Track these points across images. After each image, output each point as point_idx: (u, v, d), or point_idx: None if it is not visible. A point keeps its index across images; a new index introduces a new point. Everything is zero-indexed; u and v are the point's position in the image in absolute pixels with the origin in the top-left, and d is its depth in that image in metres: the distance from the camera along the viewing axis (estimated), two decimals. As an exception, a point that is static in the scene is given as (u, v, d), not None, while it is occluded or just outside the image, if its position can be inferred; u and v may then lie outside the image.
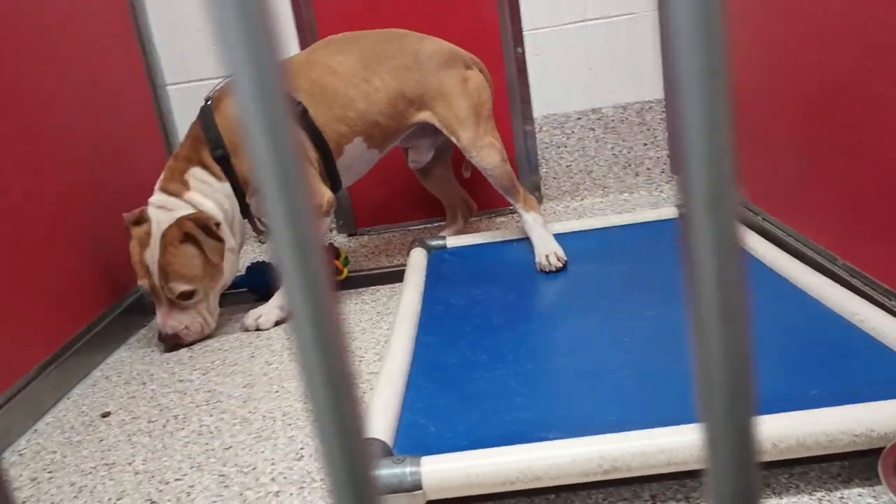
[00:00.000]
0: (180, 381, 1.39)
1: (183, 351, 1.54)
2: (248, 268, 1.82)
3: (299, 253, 0.24)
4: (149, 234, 1.50)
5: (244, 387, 1.32)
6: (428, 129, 1.73)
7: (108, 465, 1.12)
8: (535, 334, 1.23)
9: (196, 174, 1.55)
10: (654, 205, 2.05)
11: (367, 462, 0.26)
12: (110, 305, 1.66)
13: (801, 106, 1.34)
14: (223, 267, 1.57)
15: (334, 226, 2.23)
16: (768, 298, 1.23)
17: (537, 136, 2.14)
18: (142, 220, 1.52)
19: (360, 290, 1.73)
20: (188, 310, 1.54)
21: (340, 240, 2.19)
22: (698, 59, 0.22)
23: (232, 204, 1.57)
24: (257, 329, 1.59)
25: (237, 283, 1.85)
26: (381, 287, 1.73)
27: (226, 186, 1.55)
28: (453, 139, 1.64)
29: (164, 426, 1.22)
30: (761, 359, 1.03)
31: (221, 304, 1.79)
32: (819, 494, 0.82)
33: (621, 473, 0.81)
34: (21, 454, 1.21)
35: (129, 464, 1.12)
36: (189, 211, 1.51)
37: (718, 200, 0.23)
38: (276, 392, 1.27)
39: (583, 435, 0.84)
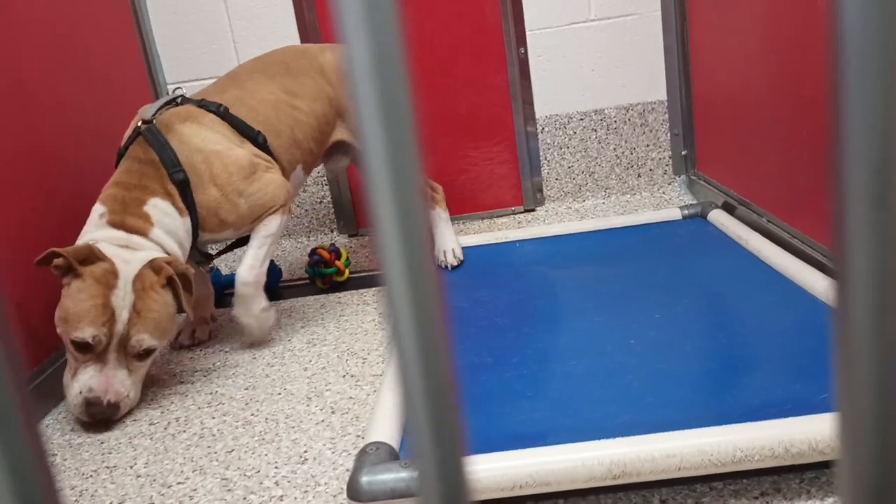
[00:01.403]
0: (181, 382, 1.38)
1: (183, 351, 1.52)
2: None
3: (411, 270, 0.23)
4: (114, 273, 1.23)
5: (246, 389, 1.31)
6: (341, 149, 1.71)
7: (109, 468, 1.11)
8: (539, 336, 1.22)
9: (157, 205, 1.33)
10: (657, 206, 2.04)
11: (464, 479, 0.25)
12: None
13: (814, 107, 1.33)
14: (175, 325, 1.37)
15: (335, 226, 2.22)
16: (777, 302, 1.22)
17: (539, 136, 2.14)
18: (91, 258, 1.23)
19: (363, 290, 1.72)
20: (133, 373, 1.26)
21: (342, 240, 2.18)
22: (874, 54, 0.21)
23: (188, 241, 1.39)
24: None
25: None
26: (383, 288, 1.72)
27: (186, 222, 1.37)
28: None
29: (165, 428, 1.21)
30: (771, 363, 1.02)
31: (224, 304, 1.77)
32: (830, 500, 0.81)
33: (631, 478, 0.80)
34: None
35: (131, 467, 1.11)
36: (159, 254, 1.30)
37: (883, 196, 0.21)
38: (279, 394, 1.26)
39: (591, 439, 0.84)
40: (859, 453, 0.25)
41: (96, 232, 1.30)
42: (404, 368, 0.24)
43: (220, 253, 1.65)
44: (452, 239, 1.75)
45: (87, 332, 1.19)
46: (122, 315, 1.22)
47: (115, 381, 1.22)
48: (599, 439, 0.83)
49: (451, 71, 2.09)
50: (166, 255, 1.31)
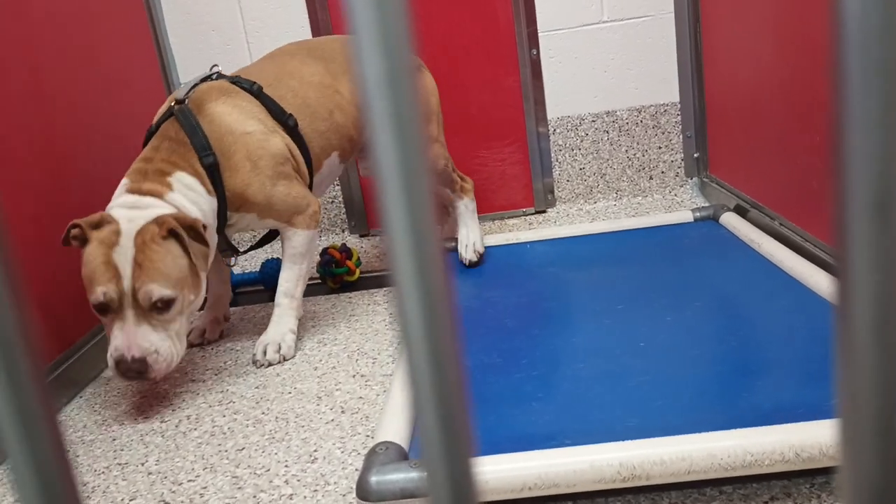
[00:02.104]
0: (193, 380, 1.39)
1: (195, 349, 1.53)
2: (263, 264, 1.82)
3: (419, 263, 0.23)
4: (117, 233, 1.23)
5: (257, 387, 1.31)
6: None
7: (120, 465, 1.12)
8: (549, 338, 1.22)
9: (182, 179, 1.32)
10: (668, 208, 2.03)
11: (472, 480, 0.25)
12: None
13: (827, 111, 1.32)
14: (202, 280, 1.32)
15: (346, 226, 2.23)
16: (789, 306, 1.21)
17: (551, 138, 2.13)
18: (102, 223, 1.24)
19: (373, 290, 1.73)
20: (159, 329, 1.23)
21: (353, 240, 2.18)
22: (874, 52, 0.21)
23: (214, 220, 1.37)
24: (281, 361, 1.40)
25: (253, 280, 1.85)
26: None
27: (213, 202, 1.35)
28: None
29: (176, 426, 1.22)
30: (782, 367, 1.02)
31: (233, 304, 1.78)
32: (841, 505, 0.80)
33: (640, 481, 0.80)
34: (34, 452, 1.21)
35: (142, 464, 1.12)
36: (168, 211, 1.28)
37: (886, 206, 0.21)
38: (290, 393, 1.27)
39: (601, 441, 0.84)
40: (861, 458, 0.25)
41: (115, 201, 1.30)
42: (414, 369, 0.25)
43: (248, 249, 1.64)
44: (476, 232, 1.77)
45: (97, 293, 1.20)
46: (126, 270, 1.21)
47: (137, 337, 1.21)
48: (609, 442, 0.83)
49: (463, 72, 2.09)
50: (175, 212, 1.28)
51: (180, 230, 1.24)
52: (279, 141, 1.42)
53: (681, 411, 0.94)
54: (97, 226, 1.24)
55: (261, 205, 1.40)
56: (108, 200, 1.35)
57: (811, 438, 0.79)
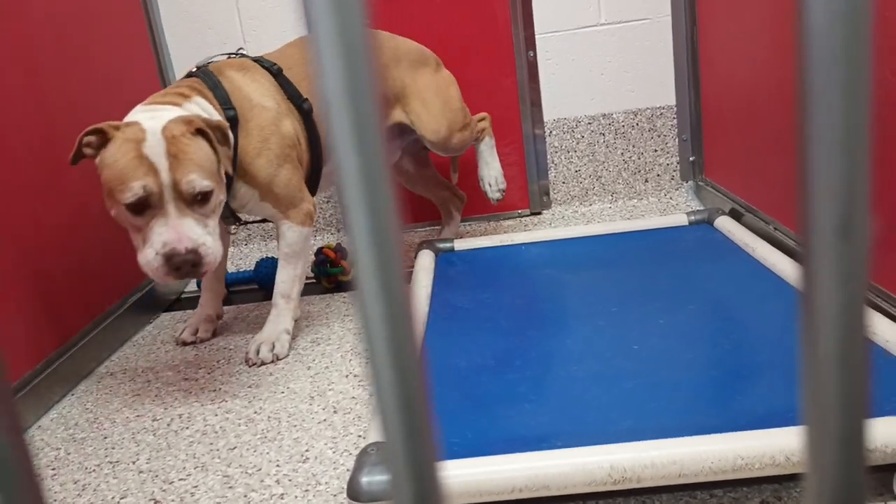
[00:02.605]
0: (185, 379, 1.38)
1: (187, 348, 1.53)
2: (258, 263, 1.82)
3: (379, 254, 0.23)
4: (141, 130, 1.18)
5: (249, 387, 1.31)
6: (395, 131, 1.72)
7: (112, 463, 1.12)
8: (543, 339, 1.22)
9: (200, 103, 1.31)
10: (663, 211, 2.04)
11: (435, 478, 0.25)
12: (116, 302, 1.65)
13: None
14: (224, 185, 1.28)
15: (341, 226, 2.22)
16: (783, 310, 1.22)
17: (547, 140, 2.13)
18: (122, 127, 1.22)
19: (367, 291, 1.72)
20: (201, 222, 1.19)
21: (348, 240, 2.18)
22: (838, 69, 0.21)
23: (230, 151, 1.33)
24: (274, 360, 1.39)
25: (246, 278, 1.85)
26: (387, 289, 1.72)
27: (230, 137, 1.31)
28: (423, 136, 1.69)
29: (168, 424, 1.21)
30: (774, 371, 1.02)
31: (227, 302, 1.78)
32: (831, 509, 0.81)
33: (631, 484, 0.80)
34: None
35: (133, 462, 1.11)
36: (187, 115, 1.25)
37: (849, 227, 0.22)
38: (282, 392, 1.27)
39: (592, 443, 0.83)
40: (824, 467, 0.25)
41: (129, 115, 1.27)
42: (376, 379, 0.25)
43: (252, 221, 1.59)
44: (497, 168, 1.84)
45: (136, 187, 1.15)
46: (161, 162, 1.16)
47: (185, 228, 1.16)
48: (600, 444, 0.83)
49: (460, 73, 2.09)
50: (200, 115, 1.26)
51: (208, 130, 1.22)
52: (290, 125, 1.43)
53: (673, 414, 0.94)
54: (118, 128, 1.20)
55: (263, 183, 1.39)
56: (102, 201, 1.35)
57: (802, 443, 0.79)
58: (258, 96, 1.41)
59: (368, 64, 0.21)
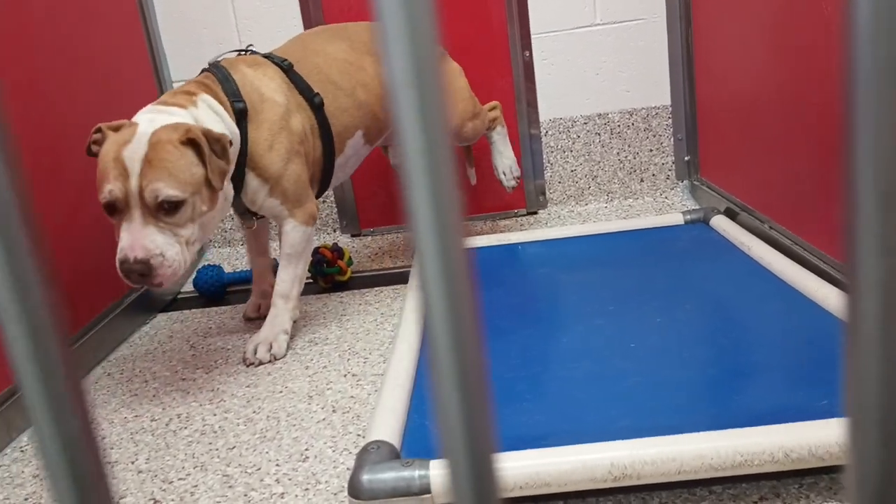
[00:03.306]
0: (183, 379, 1.38)
1: (185, 348, 1.53)
2: (252, 267, 1.82)
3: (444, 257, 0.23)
4: (133, 133, 1.20)
5: (248, 386, 1.31)
6: None
7: (110, 464, 1.12)
8: (541, 338, 1.22)
9: (207, 101, 1.32)
10: (659, 211, 2.04)
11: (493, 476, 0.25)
12: (112, 303, 1.65)
13: (818, 114, 1.34)
14: (219, 198, 1.27)
15: (338, 226, 2.23)
16: (779, 308, 1.22)
17: (543, 140, 2.14)
18: (122, 127, 1.23)
19: (364, 291, 1.73)
20: (167, 232, 1.18)
21: (344, 240, 2.18)
22: (882, 53, 0.21)
23: (235, 153, 1.33)
24: (272, 360, 1.39)
25: (244, 279, 1.85)
26: (384, 288, 1.73)
27: (235, 130, 1.33)
28: None
29: (167, 425, 1.21)
30: (771, 369, 1.02)
31: (223, 303, 1.78)
32: (829, 505, 0.81)
33: (631, 481, 0.81)
34: (23, 451, 1.20)
35: (132, 462, 1.11)
36: (190, 122, 1.25)
37: (893, 203, 0.22)
38: (280, 392, 1.27)
39: (592, 441, 0.84)
40: (866, 462, 0.25)
41: (138, 114, 1.28)
42: (437, 366, 0.25)
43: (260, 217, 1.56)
44: (510, 157, 1.89)
45: (104, 191, 1.17)
46: (134, 167, 1.16)
47: (141, 237, 1.16)
48: (600, 442, 0.83)
49: (455, 73, 2.09)
50: (201, 126, 1.25)
51: (202, 140, 1.20)
52: (299, 121, 1.44)
53: (671, 412, 0.94)
54: (116, 129, 1.22)
55: (274, 176, 1.39)
56: (97, 201, 1.34)
57: (800, 439, 0.79)
58: (269, 91, 1.42)
59: (433, 49, 0.22)
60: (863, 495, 0.25)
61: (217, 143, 1.22)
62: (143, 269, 1.15)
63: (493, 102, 1.89)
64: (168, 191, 1.16)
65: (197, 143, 1.20)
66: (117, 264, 1.17)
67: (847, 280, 0.24)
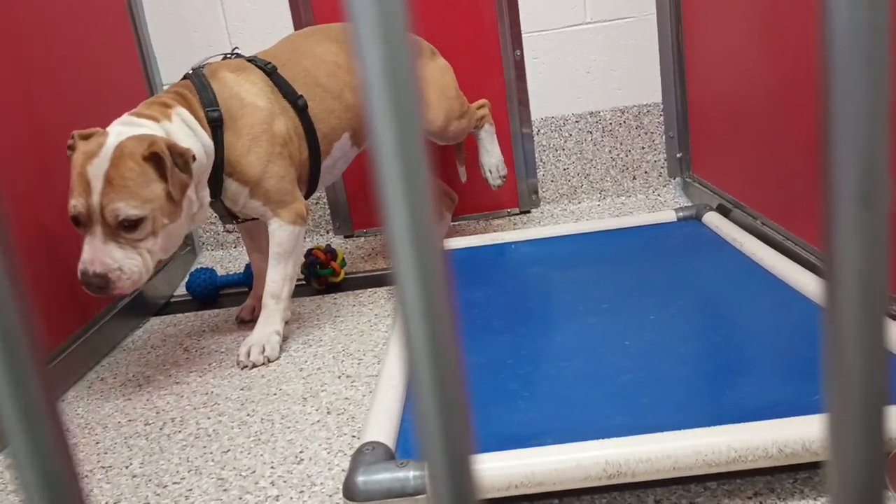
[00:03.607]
0: (177, 383, 1.38)
1: (179, 352, 1.52)
2: (248, 266, 1.81)
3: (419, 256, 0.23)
4: (100, 146, 1.23)
5: (241, 389, 1.31)
6: None
7: (104, 469, 1.11)
8: (535, 337, 1.23)
9: (182, 114, 1.34)
10: (652, 208, 2.05)
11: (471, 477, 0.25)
12: (105, 307, 1.64)
13: (809, 110, 1.34)
14: (181, 211, 1.30)
15: (331, 227, 2.22)
16: (772, 304, 1.23)
17: (535, 138, 2.14)
18: (92, 135, 1.27)
19: (358, 292, 1.72)
20: (126, 247, 1.23)
21: (337, 241, 2.18)
22: (862, 44, 0.21)
23: (207, 164, 1.35)
24: (266, 363, 1.39)
25: (237, 281, 1.85)
26: (378, 289, 1.73)
27: (209, 143, 1.35)
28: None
29: (160, 429, 1.21)
30: (765, 365, 1.03)
31: (216, 306, 1.77)
32: (823, 499, 0.81)
33: (626, 478, 0.81)
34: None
35: (126, 467, 1.11)
36: (160, 135, 1.28)
37: (871, 194, 0.22)
38: (275, 394, 1.26)
39: (586, 439, 0.84)
40: (847, 454, 0.25)
41: (113, 123, 1.31)
42: (414, 364, 0.25)
43: (251, 218, 1.54)
44: (497, 155, 1.90)
45: (70, 205, 1.22)
46: (96, 185, 1.21)
47: (101, 253, 1.21)
48: (594, 440, 0.83)
49: (447, 73, 2.09)
50: (167, 138, 1.27)
51: (165, 154, 1.23)
52: (283, 124, 1.44)
53: (666, 409, 0.94)
54: (87, 137, 1.26)
55: (253, 179, 1.40)
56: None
57: (794, 434, 0.79)
58: (251, 96, 1.42)
59: (408, 50, 0.22)
60: (844, 491, 0.25)
61: (180, 158, 1.25)
62: (100, 283, 1.22)
63: (482, 101, 1.89)
64: (128, 210, 1.21)
65: (159, 156, 1.23)
66: (79, 275, 1.23)
67: (825, 266, 0.24)
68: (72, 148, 1.27)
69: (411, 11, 0.22)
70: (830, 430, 0.25)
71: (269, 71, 1.48)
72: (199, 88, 1.39)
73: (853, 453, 0.25)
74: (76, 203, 1.21)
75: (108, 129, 1.28)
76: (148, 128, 1.28)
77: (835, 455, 0.25)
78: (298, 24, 2.06)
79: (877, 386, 0.24)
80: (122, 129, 1.27)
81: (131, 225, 1.22)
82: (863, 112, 0.21)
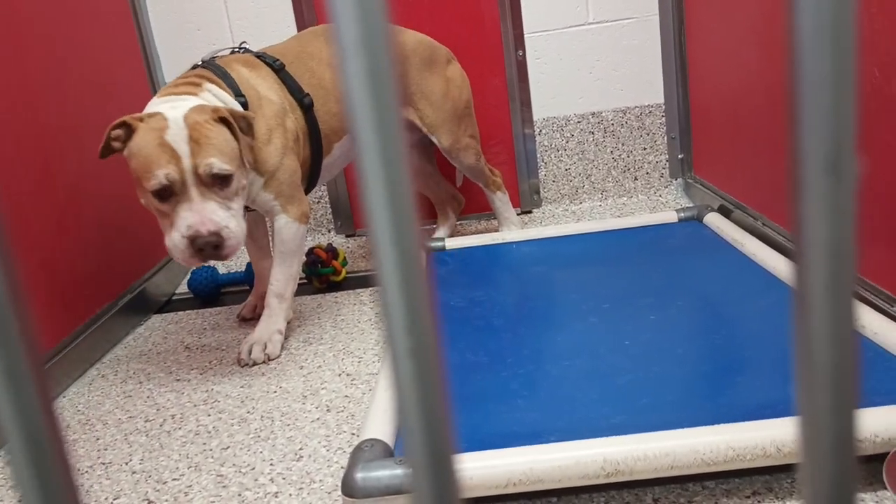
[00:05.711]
0: (177, 380, 1.38)
1: (180, 349, 1.53)
2: (249, 264, 1.82)
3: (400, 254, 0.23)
4: (163, 118, 1.22)
5: (242, 386, 1.31)
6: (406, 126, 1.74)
7: (104, 465, 1.12)
8: (535, 336, 1.23)
9: (213, 90, 1.34)
10: (653, 209, 2.05)
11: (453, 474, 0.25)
12: (106, 304, 1.65)
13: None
14: (247, 174, 1.31)
15: (333, 226, 2.22)
16: (772, 304, 1.23)
17: (537, 139, 2.14)
18: (145, 118, 1.26)
19: (359, 290, 1.73)
20: (224, 206, 1.23)
21: (339, 240, 2.18)
22: (826, 14, 0.21)
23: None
24: (266, 360, 1.39)
25: (238, 279, 1.85)
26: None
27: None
28: (433, 139, 1.72)
29: (161, 425, 1.21)
30: (764, 364, 1.03)
31: (217, 303, 1.78)
32: (822, 499, 0.81)
33: (624, 477, 0.81)
34: (16, 452, 1.20)
35: (126, 463, 1.11)
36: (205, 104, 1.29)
37: (837, 165, 0.22)
38: (275, 392, 1.27)
39: (585, 437, 0.84)
40: (818, 455, 0.25)
41: (148, 107, 1.30)
42: (396, 367, 0.25)
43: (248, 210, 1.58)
44: (517, 224, 1.93)
45: (159, 175, 1.19)
46: (183, 149, 1.20)
47: (207, 212, 1.20)
48: (593, 438, 0.83)
49: (449, 72, 2.09)
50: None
51: (230, 118, 1.25)
52: (292, 120, 1.46)
53: (665, 408, 0.94)
54: (141, 121, 1.25)
55: (270, 170, 1.40)
56: (96, 198, 1.34)
57: (792, 434, 0.79)
58: (264, 90, 1.44)
59: (388, 51, 0.22)
60: (815, 494, 0.25)
61: (243, 120, 1.27)
62: (216, 241, 1.20)
63: (496, 170, 1.92)
64: (221, 165, 1.22)
65: (227, 121, 1.25)
66: (185, 242, 1.20)
67: (795, 227, 0.24)
68: (118, 139, 1.25)
69: (390, 13, 0.22)
70: (800, 410, 0.26)
71: (277, 68, 1.49)
72: (221, 76, 1.39)
73: (823, 430, 0.25)
74: (168, 171, 1.19)
75: (148, 109, 1.28)
76: (192, 101, 1.28)
77: (804, 423, 0.25)
78: (301, 24, 2.06)
79: (847, 356, 0.24)
80: (171, 103, 1.27)
81: (223, 181, 1.23)
82: (829, 81, 0.22)
